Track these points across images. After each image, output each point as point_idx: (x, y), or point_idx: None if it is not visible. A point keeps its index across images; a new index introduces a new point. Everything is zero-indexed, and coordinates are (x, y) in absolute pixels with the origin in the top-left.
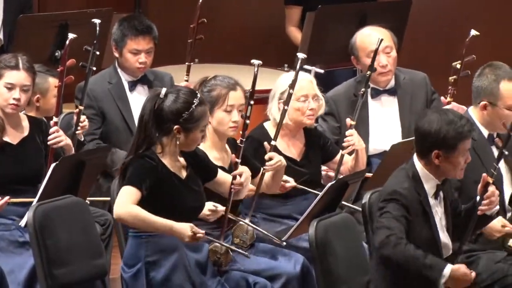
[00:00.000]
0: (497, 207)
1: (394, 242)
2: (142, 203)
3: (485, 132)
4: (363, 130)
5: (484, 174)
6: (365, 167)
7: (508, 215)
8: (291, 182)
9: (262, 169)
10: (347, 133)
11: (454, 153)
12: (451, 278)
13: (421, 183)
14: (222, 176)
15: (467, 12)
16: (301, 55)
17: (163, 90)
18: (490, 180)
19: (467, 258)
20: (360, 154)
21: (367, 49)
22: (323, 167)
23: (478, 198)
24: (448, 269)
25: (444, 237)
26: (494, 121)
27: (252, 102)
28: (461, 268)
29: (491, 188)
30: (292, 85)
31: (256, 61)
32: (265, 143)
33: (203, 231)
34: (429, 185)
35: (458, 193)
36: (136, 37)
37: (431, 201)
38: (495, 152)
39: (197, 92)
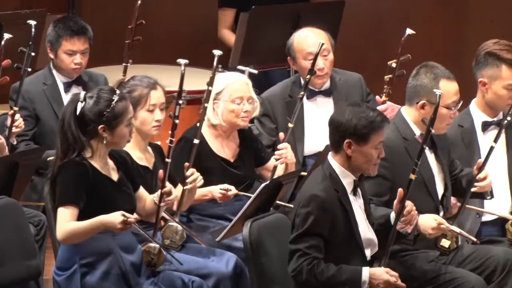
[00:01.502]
0: (410, 229)
1: (306, 269)
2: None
3: (418, 132)
4: (298, 131)
5: (400, 190)
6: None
7: (441, 214)
8: (232, 190)
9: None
10: (280, 146)
11: (366, 144)
12: (372, 281)
13: (339, 180)
14: (141, 192)
15: (401, 11)
16: (217, 52)
17: (82, 94)
18: (413, 177)
19: (400, 257)
20: (290, 168)
21: (304, 50)
22: None
23: (392, 214)
24: (366, 273)
25: (369, 232)
26: None
27: (180, 102)
28: (378, 270)
29: (408, 208)
30: (210, 83)
31: (182, 61)
32: (186, 164)
33: (134, 216)
34: (347, 181)
35: (390, 195)
36: (71, 38)
37: (351, 197)
38: (428, 152)
39: (115, 88)
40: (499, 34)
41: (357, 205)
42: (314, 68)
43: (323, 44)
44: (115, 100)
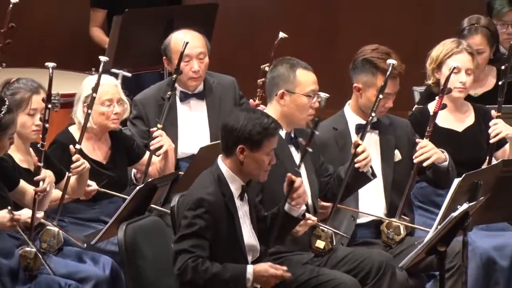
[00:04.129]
0: (304, 207)
1: (191, 266)
2: None
3: (283, 132)
4: (172, 133)
5: (289, 174)
6: (174, 169)
7: (315, 218)
8: (93, 186)
9: (67, 173)
10: (154, 134)
11: (258, 150)
12: (256, 277)
13: (226, 184)
14: (23, 186)
15: (274, 15)
16: (103, 58)
17: None
18: (295, 178)
19: (274, 260)
20: (170, 155)
21: (180, 52)
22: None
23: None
24: (250, 270)
25: (252, 238)
26: (292, 112)
27: (50, 106)
28: (261, 265)
29: (298, 181)
30: (95, 89)
31: (50, 64)
32: (70, 146)
33: (20, 212)
34: (235, 186)
35: (261, 195)
36: None
37: (237, 202)
38: (293, 151)
39: (5, 99)
40: (368, 37)
41: (243, 210)
42: (190, 71)
43: (187, 43)
44: (3, 112)
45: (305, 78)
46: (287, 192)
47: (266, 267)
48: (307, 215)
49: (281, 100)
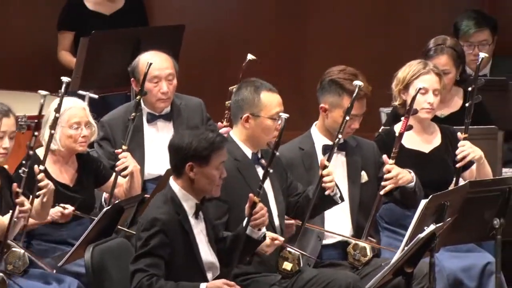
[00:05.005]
0: (264, 229)
1: (145, 285)
2: None
3: (249, 152)
4: (138, 154)
5: (251, 194)
6: (140, 190)
7: (282, 239)
8: (70, 209)
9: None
10: (120, 156)
11: (207, 165)
12: None
13: (180, 204)
14: None
15: (243, 36)
16: (65, 79)
17: None
18: (257, 200)
19: (242, 281)
20: (135, 176)
21: (150, 74)
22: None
23: (246, 219)
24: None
25: (210, 256)
26: (257, 134)
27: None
28: (215, 282)
29: (259, 205)
30: (57, 109)
31: (43, 92)
32: (35, 167)
33: None
34: (188, 205)
35: (227, 216)
36: None
37: (192, 220)
38: (260, 172)
39: None
40: (335, 58)
41: (198, 228)
42: (158, 92)
43: (151, 64)
44: None
45: (270, 100)
46: (249, 213)
47: (219, 284)
48: (274, 235)
49: (246, 124)
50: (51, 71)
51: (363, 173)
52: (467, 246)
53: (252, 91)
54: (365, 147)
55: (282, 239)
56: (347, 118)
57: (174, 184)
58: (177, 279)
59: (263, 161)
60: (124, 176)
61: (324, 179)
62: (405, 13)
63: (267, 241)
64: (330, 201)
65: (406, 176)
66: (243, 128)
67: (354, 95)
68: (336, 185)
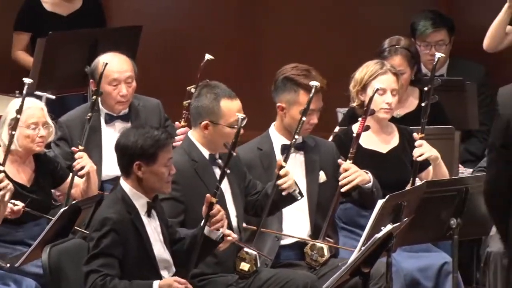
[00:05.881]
0: (223, 231)
1: (99, 285)
2: None
3: (206, 153)
4: (96, 155)
5: (208, 195)
6: (97, 190)
7: (236, 236)
8: (19, 205)
9: None
10: (76, 155)
11: (155, 162)
12: None
13: (131, 203)
14: None
15: (200, 36)
16: (27, 80)
17: None
18: (214, 200)
19: (199, 282)
20: (92, 176)
21: (109, 76)
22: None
23: (203, 220)
24: (156, 286)
25: (164, 253)
26: (216, 140)
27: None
28: (166, 280)
29: (217, 207)
30: (19, 111)
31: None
32: None
33: None
34: (140, 203)
35: (184, 215)
36: None
37: (144, 219)
38: (217, 173)
39: None
40: (293, 59)
41: (151, 226)
42: (117, 95)
43: (106, 64)
44: None
45: (229, 108)
46: (206, 214)
47: (170, 281)
48: (228, 231)
49: (206, 130)
50: (6, 72)
51: (322, 173)
52: (424, 246)
53: (212, 99)
54: (323, 147)
55: (235, 235)
56: (304, 118)
57: (124, 184)
58: (131, 278)
59: (219, 161)
60: (81, 176)
61: (280, 181)
62: (363, 13)
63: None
64: (290, 198)
65: (363, 176)
66: (202, 133)
67: (311, 95)
68: (295, 181)
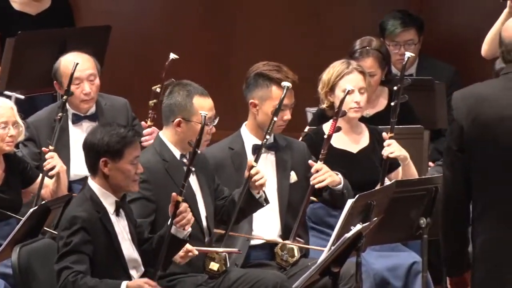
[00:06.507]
0: (190, 229)
1: (70, 282)
2: None
3: (177, 153)
4: (64, 155)
5: (174, 194)
6: (66, 190)
7: (207, 238)
8: None
9: None
10: (47, 156)
11: (121, 159)
12: None
13: (99, 202)
14: None
15: (166, 36)
16: None
17: None
18: (180, 198)
19: (168, 282)
20: (62, 176)
21: (70, 73)
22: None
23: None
24: (124, 286)
25: (133, 253)
26: (188, 138)
27: None
28: (137, 281)
29: (184, 204)
30: None
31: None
32: None
33: None
34: (108, 202)
35: (155, 215)
36: None
37: (113, 218)
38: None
39: None
40: (262, 59)
41: (120, 226)
42: (81, 93)
43: (77, 64)
44: None
45: (202, 105)
46: (173, 213)
47: (140, 283)
48: (190, 247)
49: (178, 128)
50: None
51: (293, 173)
52: (394, 245)
53: (185, 96)
54: (295, 147)
55: (196, 252)
56: (275, 118)
57: (92, 183)
58: (101, 277)
59: (184, 159)
60: (51, 176)
61: (254, 178)
62: (333, 13)
63: (181, 253)
64: (256, 204)
65: (334, 177)
66: (174, 131)
67: (282, 96)
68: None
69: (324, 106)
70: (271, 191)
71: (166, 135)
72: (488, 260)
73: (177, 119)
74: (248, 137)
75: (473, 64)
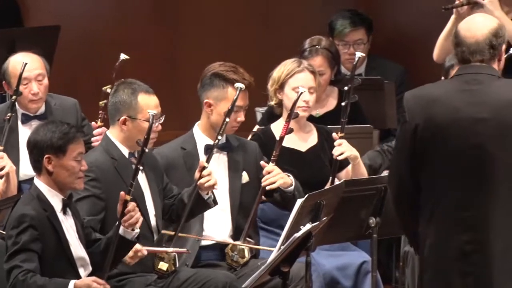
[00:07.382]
0: (138, 230)
1: (20, 281)
2: None
3: (126, 151)
4: (13, 155)
5: (122, 192)
6: (16, 191)
7: (155, 237)
8: None
9: None
10: None
11: (64, 155)
12: None
13: (46, 200)
14: None
15: (116, 36)
16: None
17: None
18: (128, 197)
19: (118, 282)
20: (11, 177)
21: (19, 74)
22: None
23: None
24: (71, 286)
25: (81, 251)
26: (134, 136)
27: None
28: (85, 280)
29: (132, 204)
30: None
31: None
32: None
33: None
34: (55, 201)
35: (104, 213)
36: None
37: (61, 216)
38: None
39: None
40: (211, 58)
41: (67, 224)
42: (29, 93)
43: (26, 64)
44: None
45: (147, 103)
46: (121, 212)
47: (88, 282)
48: (139, 246)
49: (124, 126)
50: None
51: (244, 174)
52: (343, 245)
53: (129, 93)
54: (247, 148)
55: (145, 252)
56: (227, 120)
57: (39, 182)
58: (50, 275)
59: (132, 158)
60: (1, 177)
61: (202, 180)
62: (282, 12)
63: (130, 253)
64: (204, 205)
65: (285, 179)
66: (120, 129)
67: (235, 97)
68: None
69: (272, 103)
70: (222, 191)
71: (113, 134)
72: (435, 265)
73: (123, 117)
74: (201, 137)
75: (421, 63)
